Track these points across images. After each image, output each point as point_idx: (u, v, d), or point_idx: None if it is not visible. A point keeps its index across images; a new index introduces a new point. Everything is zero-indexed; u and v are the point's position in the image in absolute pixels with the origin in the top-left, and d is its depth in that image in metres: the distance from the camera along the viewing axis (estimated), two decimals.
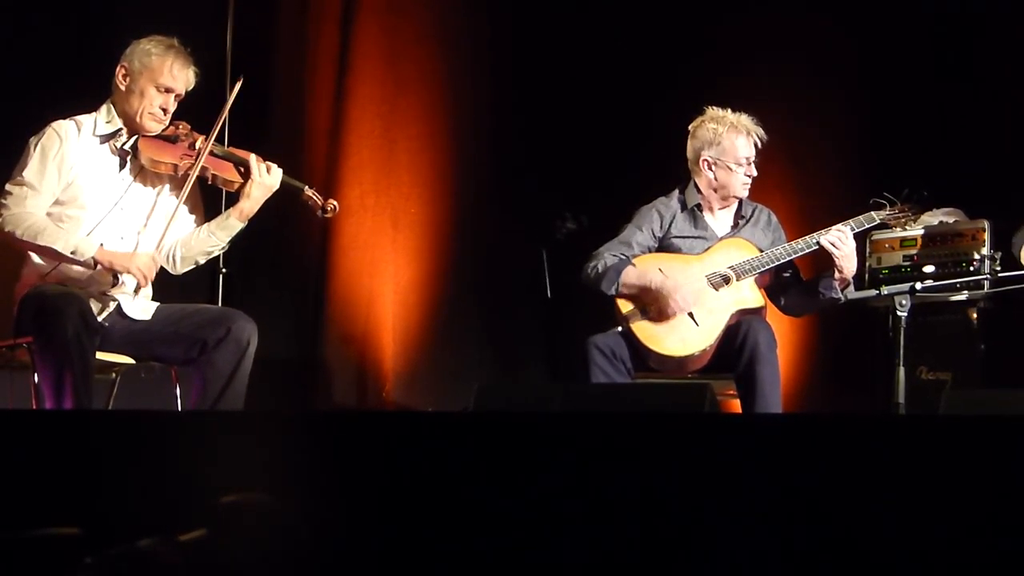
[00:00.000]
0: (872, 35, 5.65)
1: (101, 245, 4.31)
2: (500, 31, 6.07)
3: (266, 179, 4.47)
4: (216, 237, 4.51)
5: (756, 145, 4.93)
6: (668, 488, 2.86)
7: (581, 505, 2.86)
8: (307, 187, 4.58)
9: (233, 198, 4.57)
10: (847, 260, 4.76)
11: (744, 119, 4.92)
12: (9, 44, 5.55)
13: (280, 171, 4.51)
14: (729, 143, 4.90)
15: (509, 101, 6.01)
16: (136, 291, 4.35)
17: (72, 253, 4.26)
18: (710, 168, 4.93)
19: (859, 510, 2.78)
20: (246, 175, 4.47)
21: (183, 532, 2.20)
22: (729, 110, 4.94)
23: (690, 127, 4.98)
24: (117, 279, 4.34)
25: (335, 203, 4.62)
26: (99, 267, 4.29)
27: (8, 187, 4.31)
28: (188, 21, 4.98)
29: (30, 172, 4.30)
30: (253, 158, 4.48)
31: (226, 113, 4.56)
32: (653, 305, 4.77)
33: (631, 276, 4.82)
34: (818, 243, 4.78)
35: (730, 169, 4.90)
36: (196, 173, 4.39)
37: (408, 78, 6.13)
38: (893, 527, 2.76)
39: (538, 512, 2.86)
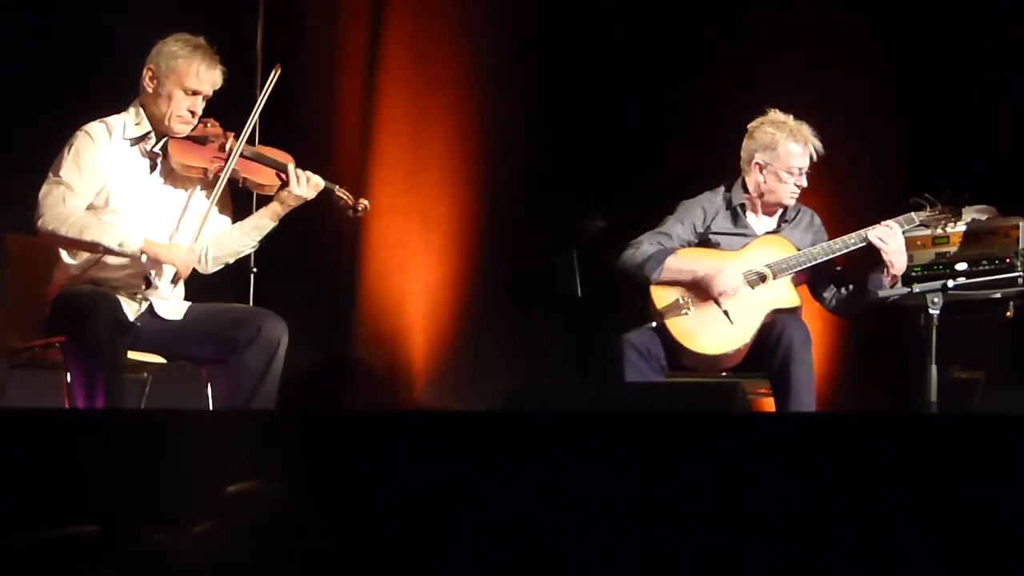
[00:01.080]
0: (902, 33, 5.60)
1: (145, 238, 4.31)
2: (528, 30, 6.06)
3: (303, 190, 4.43)
4: (248, 237, 4.51)
5: (811, 156, 4.86)
6: (699, 488, 2.85)
7: (611, 505, 2.85)
8: (338, 187, 4.54)
9: (265, 196, 4.56)
10: (896, 255, 4.71)
11: (804, 128, 4.85)
12: (30, 44, 5.54)
13: (321, 181, 4.46)
14: (784, 150, 4.82)
15: (538, 99, 6.00)
16: (174, 281, 4.35)
17: (119, 246, 4.26)
18: (761, 172, 4.87)
19: (892, 509, 2.76)
20: (279, 179, 4.44)
21: (198, 527, 2.21)
22: (791, 116, 4.88)
23: (749, 126, 4.92)
24: (149, 281, 4.35)
25: (366, 203, 4.59)
26: (144, 258, 4.29)
27: (45, 188, 4.30)
28: (217, 19, 4.97)
29: (65, 172, 4.30)
30: (291, 166, 4.43)
31: (257, 114, 4.50)
32: (695, 291, 4.73)
33: (675, 262, 4.79)
34: (866, 239, 4.72)
35: (780, 178, 4.84)
36: (227, 176, 4.38)
37: (437, 77, 6.13)
38: (926, 526, 2.74)
39: (567, 511, 2.86)
